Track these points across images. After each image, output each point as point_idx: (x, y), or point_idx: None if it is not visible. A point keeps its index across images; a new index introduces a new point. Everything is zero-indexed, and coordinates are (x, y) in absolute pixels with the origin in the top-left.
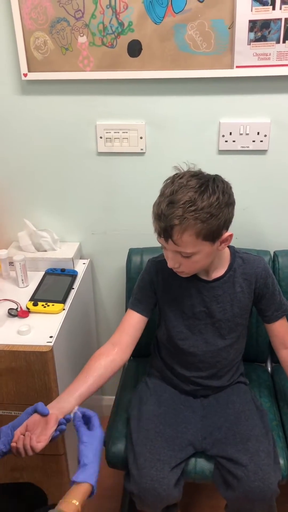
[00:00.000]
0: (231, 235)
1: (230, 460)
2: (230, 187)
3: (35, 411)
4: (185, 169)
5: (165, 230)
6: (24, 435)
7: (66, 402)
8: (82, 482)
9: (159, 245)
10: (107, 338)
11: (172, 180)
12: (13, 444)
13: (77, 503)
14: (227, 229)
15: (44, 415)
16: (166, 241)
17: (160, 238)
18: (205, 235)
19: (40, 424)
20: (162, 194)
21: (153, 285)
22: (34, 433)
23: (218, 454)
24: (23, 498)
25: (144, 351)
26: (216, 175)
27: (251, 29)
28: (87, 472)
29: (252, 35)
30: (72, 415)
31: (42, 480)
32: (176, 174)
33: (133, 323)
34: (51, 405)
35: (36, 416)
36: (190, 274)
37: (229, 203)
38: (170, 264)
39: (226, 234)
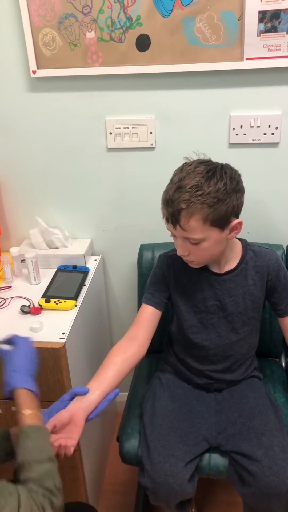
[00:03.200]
0: (240, 223)
1: (244, 456)
2: (239, 175)
3: (74, 395)
4: (195, 159)
5: (172, 215)
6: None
7: (89, 400)
8: (18, 389)
9: (170, 240)
10: (120, 334)
11: (181, 168)
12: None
13: (29, 411)
14: (236, 216)
15: (85, 393)
16: (174, 227)
17: (168, 224)
18: (213, 220)
19: (68, 426)
20: (171, 181)
21: (165, 279)
22: (62, 435)
23: (232, 450)
24: None
25: (157, 347)
26: (225, 163)
27: (261, 20)
28: (19, 378)
29: (262, 26)
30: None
31: None
32: (186, 162)
33: (148, 317)
34: (73, 404)
35: (64, 417)
36: (200, 264)
37: (237, 189)
38: (179, 252)
39: (235, 221)
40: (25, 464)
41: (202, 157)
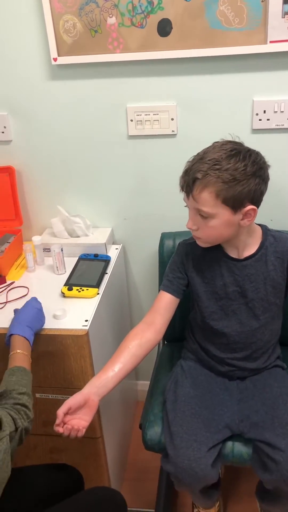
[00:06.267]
0: (254, 209)
1: (268, 445)
2: (265, 162)
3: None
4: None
5: (187, 184)
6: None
7: (103, 384)
8: (15, 335)
9: None
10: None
11: (212, 144)
12: (60, 427)
13: (19, 351)
14: (252, 202)
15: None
16: (187, 197)
17: (183, 193)
18: (225, 198)
19: (82, 408)
20: (197, 154)
21: (183, 266)
22: (76, 416)
23: (256, 438)
24: (62, 477)
25: (179, 335)
26: (256, 150)
27: (285, 1)
28: (17, 327)
29: (286, 7)
30: None
31: (80, 462)
32: (218, 141)
33: (165, 304)
34: (88, 387)
35: (79, 399)
36: (207, 242)
37: (258, 175)
38: (188, 224)
39: (249, 207)
40: (6, 392)
41: (237, 140)
